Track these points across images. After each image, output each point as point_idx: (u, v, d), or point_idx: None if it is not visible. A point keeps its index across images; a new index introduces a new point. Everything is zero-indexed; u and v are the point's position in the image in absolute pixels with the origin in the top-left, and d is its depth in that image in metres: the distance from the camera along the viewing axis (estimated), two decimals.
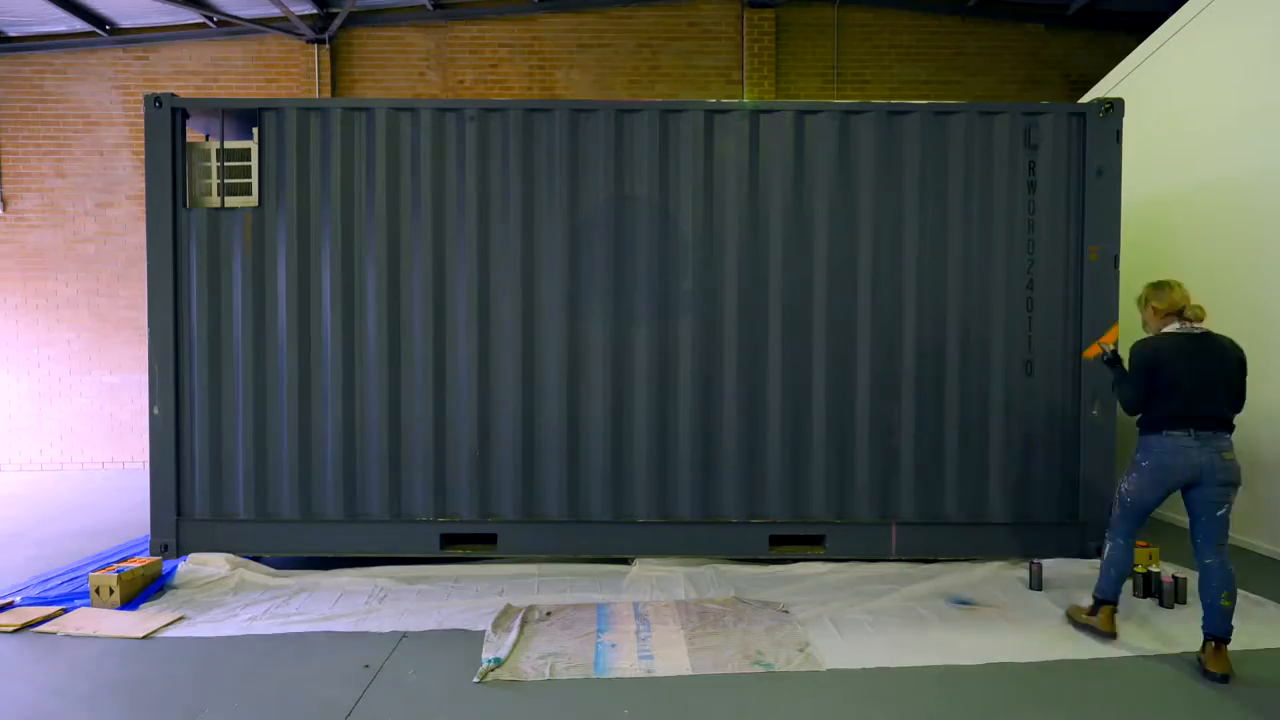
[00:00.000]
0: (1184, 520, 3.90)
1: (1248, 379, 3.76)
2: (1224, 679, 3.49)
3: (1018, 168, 5.14)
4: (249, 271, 5.08)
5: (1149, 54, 6.95)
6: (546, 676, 3.59)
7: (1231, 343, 3.72)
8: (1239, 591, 3.70)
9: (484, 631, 4.08)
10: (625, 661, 3.73)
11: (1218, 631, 3.58)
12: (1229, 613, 3.56)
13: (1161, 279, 3.87)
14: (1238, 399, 3.74)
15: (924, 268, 5.14)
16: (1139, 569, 4.60)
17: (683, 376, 5.13)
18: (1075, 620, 4.13)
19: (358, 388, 5.10)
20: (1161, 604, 4.46)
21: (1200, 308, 3.76)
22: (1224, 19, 6.05)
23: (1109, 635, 3.93)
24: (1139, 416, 3.85)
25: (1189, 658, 3.77)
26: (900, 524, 5.16)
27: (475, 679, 3.55)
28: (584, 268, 5.10)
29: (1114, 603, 3.97)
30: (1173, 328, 3.75)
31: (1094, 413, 5.09)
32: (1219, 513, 3.61)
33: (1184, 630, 4.07)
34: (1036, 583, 4.72)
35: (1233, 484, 3.63)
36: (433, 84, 9.60)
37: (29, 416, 9.46)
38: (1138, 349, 3.78)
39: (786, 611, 4.27)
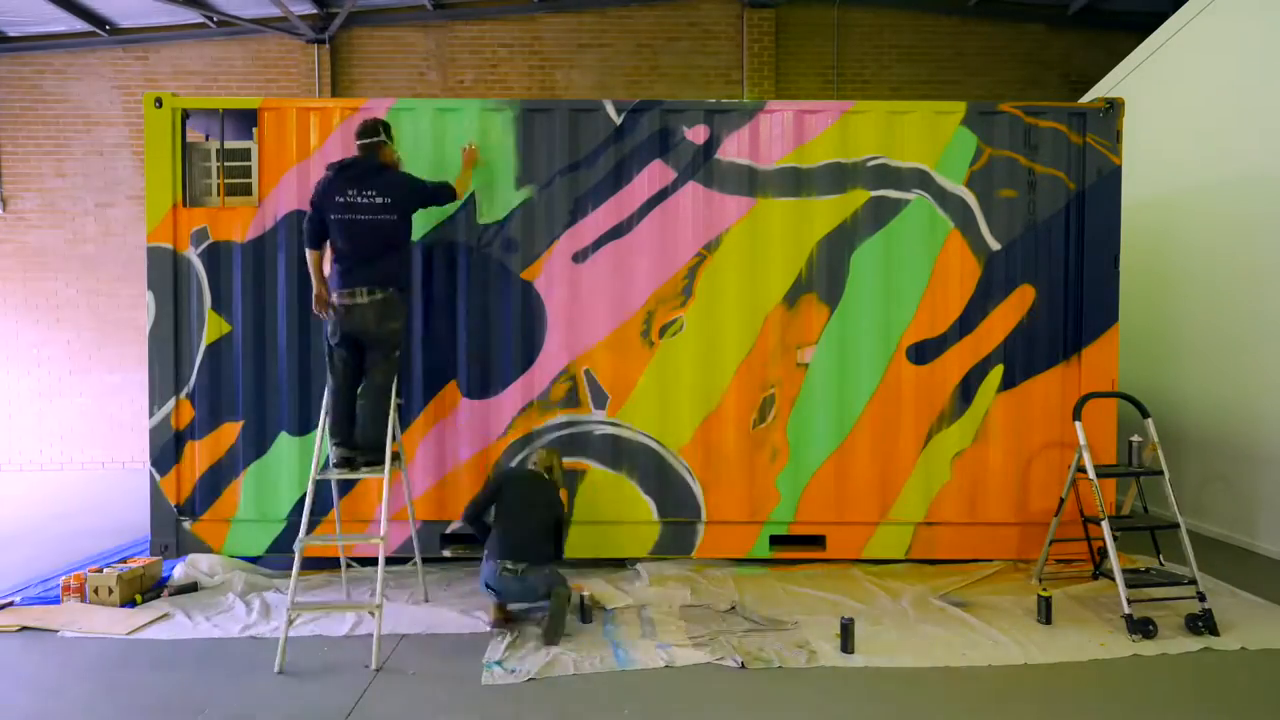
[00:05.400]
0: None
1: None
2: None
3: (1017, 167, 5.14)
4: (249, 271, 5.08)
5: (1149, 54, 6.95)
6: (571, 672, 3.61)
7: None
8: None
9: (484, 632, 4.08)
10: (642, 655, 3.77)
11: None
12: None
13: None
14: None
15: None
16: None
17: (688, 373, 5.14)
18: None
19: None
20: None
21: None
22: (1224, 19, 6.04)
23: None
24: None
25: (1186, 657, 3.78)
26: (899, 525, 5.15)
27: (485, 680, 3.55)
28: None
29: None
30: None
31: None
32: None
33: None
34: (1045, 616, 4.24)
35: None
36: (433, 84, 9.60)
37: (29, 416, 9.45)
38: None
39: (786, 616, 4.27)
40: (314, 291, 4.44)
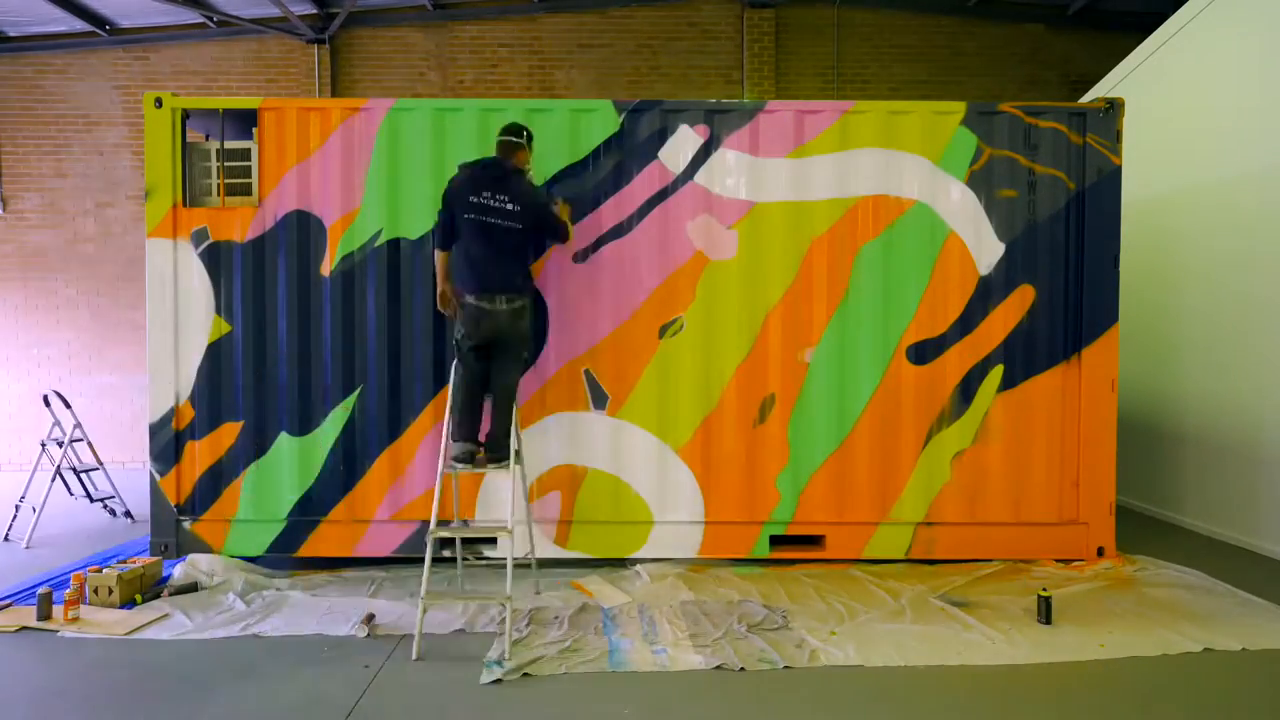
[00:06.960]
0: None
1: None
2: None
3: (1018, 167, 5.14)
4: (249, 271, 5.08)
5: (1149, 54, 6.95)
6: (561, 671, 3.61)
7: None
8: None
9: (485, 632, 4.08)
10: (639, 656, 3.77)
11: None
12: None
13: None
14: None
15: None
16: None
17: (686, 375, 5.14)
18: None
19: (357, 386, 5.09)
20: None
21: None
22: (1224, 19, 6.04)
23: None
24: None
25: (1186, 657, 3.78)
26: (899, 525, 5.15)
27: (485, 679, 3.55)
28: None
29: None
30: None
31: None
32: None
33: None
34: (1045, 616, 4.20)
35: None
36: (433, 84, 9.60)
37: (29, 416, 9.45)
38: None
39: (785, 616, 4.27)
40: (439, 290, 4.70)
